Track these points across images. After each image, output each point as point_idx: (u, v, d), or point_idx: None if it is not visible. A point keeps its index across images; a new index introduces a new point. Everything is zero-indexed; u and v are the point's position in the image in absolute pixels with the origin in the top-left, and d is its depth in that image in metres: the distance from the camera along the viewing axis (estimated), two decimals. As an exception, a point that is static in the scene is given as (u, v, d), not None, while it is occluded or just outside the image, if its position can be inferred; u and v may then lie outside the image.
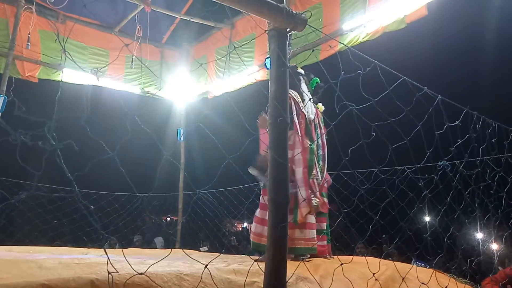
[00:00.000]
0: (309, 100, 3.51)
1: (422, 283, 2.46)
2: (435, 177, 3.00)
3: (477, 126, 2.67)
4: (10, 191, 5.38)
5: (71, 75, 5.95)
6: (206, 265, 1.54)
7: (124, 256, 1.33)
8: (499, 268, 4.20)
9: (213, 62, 6.60)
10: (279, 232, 1.44)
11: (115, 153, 1.44)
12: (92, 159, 1.44)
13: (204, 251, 6.82)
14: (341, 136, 2.24)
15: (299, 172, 3.26)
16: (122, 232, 7.27)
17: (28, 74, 5.66)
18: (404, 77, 2.12)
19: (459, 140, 2.46)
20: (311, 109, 3.56)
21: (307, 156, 3.36)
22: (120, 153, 1.52)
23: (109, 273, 1.17)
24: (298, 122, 3.32)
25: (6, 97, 5.08)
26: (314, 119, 3.57)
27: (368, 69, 1.90)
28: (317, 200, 3.26)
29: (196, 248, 7.41)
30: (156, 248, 8.14)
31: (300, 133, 3.32)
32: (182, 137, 7.08)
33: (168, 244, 8.60)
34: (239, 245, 10.08)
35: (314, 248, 3.27)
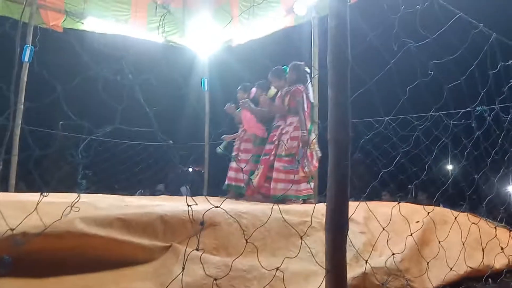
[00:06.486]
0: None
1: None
2: (473, 124, 2.93)
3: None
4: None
5: (95, 24, 5.87)
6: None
7: (192, 199, 1.35)
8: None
9: (237, 8, 6.37)
10: (342, 170, 1.44)
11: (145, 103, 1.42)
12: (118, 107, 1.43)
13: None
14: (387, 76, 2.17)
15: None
16: (151, 181, 7.45)
17: (53, 23, 5.59)
18: (461, 13, 2.01)
19: (511, 80, 2.37)
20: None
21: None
22: (145, 103, 1.52)
23: (188, 205, 1.21)
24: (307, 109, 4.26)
25: (33, 47, 5.06)
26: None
27: (426, 4, 1.80)
28: (309, 168, 4.15)
29: (221, 195, 7.57)
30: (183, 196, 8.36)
31: (306, 119, 4.21)
32: (206, 87, 7.04)
33: (194, 193, 8.81)
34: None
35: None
